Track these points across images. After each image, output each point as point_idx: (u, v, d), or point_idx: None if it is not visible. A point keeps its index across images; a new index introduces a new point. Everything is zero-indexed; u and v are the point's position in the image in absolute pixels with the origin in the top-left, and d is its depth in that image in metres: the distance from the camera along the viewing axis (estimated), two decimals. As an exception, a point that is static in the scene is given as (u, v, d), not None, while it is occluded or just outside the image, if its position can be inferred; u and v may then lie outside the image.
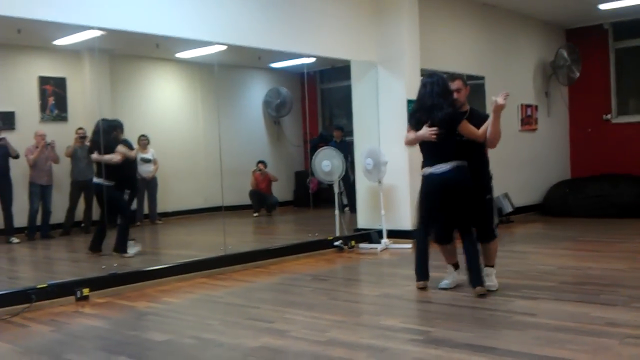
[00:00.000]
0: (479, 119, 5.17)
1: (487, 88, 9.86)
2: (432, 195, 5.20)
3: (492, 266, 5.30)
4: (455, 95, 5.16)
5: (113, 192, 7.47)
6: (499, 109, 4.93)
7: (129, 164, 7.76)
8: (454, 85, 5.19)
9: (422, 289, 5.33)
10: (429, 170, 5.15)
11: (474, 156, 5.18)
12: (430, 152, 5.17)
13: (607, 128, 11.71)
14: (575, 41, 11.82)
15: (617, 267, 6.14)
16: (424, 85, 5.18)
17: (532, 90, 11.35)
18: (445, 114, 5.00)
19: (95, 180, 7.63)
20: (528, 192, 11.09)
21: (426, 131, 5.05)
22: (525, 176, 10.93)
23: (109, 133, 7.40)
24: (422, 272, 5.37)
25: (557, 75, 11.51)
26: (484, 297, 4.96)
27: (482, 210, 5.22)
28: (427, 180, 5.21)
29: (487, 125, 5.06)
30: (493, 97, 4.99)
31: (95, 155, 7.50)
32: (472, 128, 5.09)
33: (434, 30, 9.06)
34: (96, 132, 7.55)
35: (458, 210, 5.15)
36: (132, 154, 7.87)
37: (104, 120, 7.58)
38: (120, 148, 7.52)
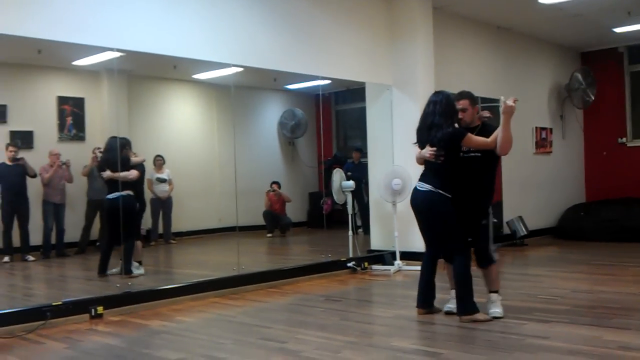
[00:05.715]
0: (492, 132, 5.01)
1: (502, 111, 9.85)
2: (413, 209, 5.22)
3: (496, 291, 5.11)
4: (460, 114, 5.08)
5: (132, 203, 7.40)
6: (508, 110, 4.84)
7: (139, 181, 7.74)
8: (460, 104, 5.09)
9: (423, 315, 5.25)
10: (416, 184, 5.21)
11: (484, 177, 5.13)
12: (425, 169, 5.20)
13: (622, 151, 11.70)
14: (590, 64, 11.84)
15: (631, 291, 6.10)
16: (428, 104, 5.15)
17: (547, 113, 11.37)
18: (444, 134, 4.95)
19: (110, 195, 7.39)
20: (542, 215, 11.03)
21: (426, 151, 5.07)
22: (539, 199, 10.88)
23: (119, 151, 7.32)
24: (420, 298, 5.31)
25: (572, 99, 11.51)
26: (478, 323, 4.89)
27: (478, 234, 5.11)
28: (412, 194, 5.25)
29: (498, 132, 4.93)
30: (502, 98, 4.89)
31: (108, 173, 7.40)
32: (479, 139, 4.97)
33: (448, 53, 9.13)
34: (107, 150, 7.61)
35: (433, 233, 5.18)
36: (140, 159, 7.85)
37: (113, 138, 7.53)
38: (133, 157, 7.56)
